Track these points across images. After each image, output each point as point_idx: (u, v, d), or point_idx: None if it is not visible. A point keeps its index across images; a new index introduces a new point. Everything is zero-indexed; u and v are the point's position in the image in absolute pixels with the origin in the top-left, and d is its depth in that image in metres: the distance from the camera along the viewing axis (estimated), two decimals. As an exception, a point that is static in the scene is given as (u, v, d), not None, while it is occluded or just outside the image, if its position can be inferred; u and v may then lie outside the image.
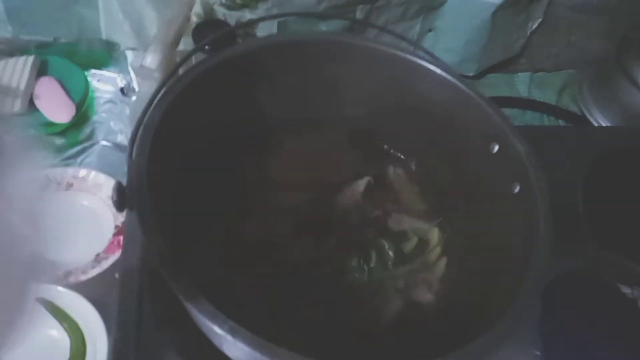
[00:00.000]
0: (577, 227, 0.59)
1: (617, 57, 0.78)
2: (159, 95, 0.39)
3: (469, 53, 0.80)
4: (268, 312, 0.45)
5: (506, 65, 0.88)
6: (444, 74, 0.48)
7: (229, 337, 0.31)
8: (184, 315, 0.41)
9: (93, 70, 0.79)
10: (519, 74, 0.90)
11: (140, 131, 0.37)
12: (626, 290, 0.54)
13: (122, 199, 0.36)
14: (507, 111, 0.80)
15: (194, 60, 0.47)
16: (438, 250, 0.52)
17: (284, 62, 0.51)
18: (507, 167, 0.45)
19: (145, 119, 0.38)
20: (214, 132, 0.47)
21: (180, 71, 0.44)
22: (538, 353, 0.49)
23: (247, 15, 0.67)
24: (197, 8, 0.65)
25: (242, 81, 0.48)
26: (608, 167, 0.64)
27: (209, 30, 0.51)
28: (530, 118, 0.84)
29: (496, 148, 0.46)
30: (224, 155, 0.49)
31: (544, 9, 0.80)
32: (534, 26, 0.82)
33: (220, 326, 0.31)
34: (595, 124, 0.81)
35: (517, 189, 0.44)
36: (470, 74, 0.84)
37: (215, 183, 0.48)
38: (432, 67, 0.49)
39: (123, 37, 0.75)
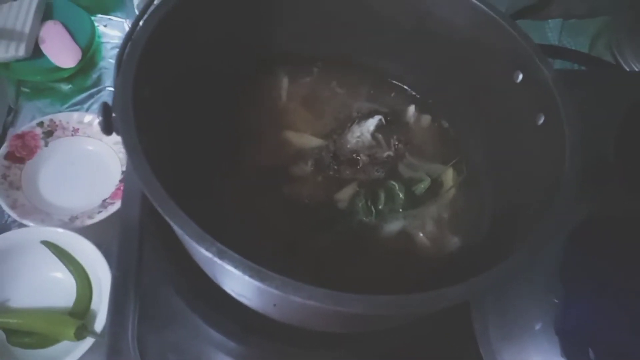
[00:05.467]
0: (607, 175, 0.55)
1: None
2: (150, 9, 0.36)
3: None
4: (269, 251, 0.43)
5: (537, 12, 0.82)
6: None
7: (216, 260, 0.28)
8: (183, 255, 0.39)
9: (100, 15, 0.78)
10: (550, 20, 0.84)
11: (127, 47, 0.35)
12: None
13: (107, 120, 0.34)
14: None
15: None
16: (452, 192, 0.48)
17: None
18: (531, 96, 0.41)
19: (135, 35, 0.35)
20: (209, 56, 0.44)
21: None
22: (557, 301, 0.46)
23: None
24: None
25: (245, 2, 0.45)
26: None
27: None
28: (560, 67, 0.78)
29: (520, 77, 0.42)
30: (220, 85, 0.46)
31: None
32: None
33: (208, 248, 0.29)
34: (631, 72, 0.75)
35: (541, 120, 0.40)
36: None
37: (212, 114, 0.45)
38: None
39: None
